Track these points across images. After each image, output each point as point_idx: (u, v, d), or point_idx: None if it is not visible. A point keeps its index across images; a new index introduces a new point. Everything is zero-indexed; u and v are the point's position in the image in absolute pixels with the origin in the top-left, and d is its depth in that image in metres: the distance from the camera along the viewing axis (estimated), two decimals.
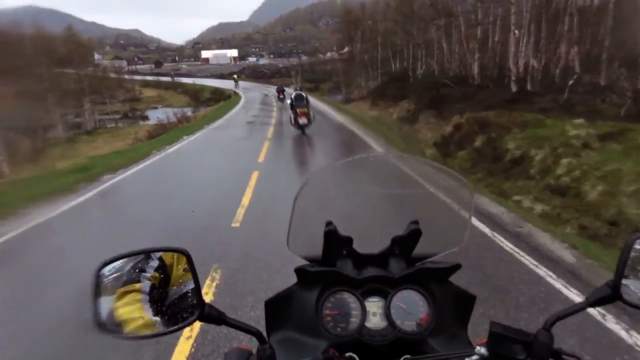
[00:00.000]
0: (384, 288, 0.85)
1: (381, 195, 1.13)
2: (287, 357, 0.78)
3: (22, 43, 30.38)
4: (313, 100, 28.19)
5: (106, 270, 0.72)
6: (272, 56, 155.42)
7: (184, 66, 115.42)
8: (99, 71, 38.90)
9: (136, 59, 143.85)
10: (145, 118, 35.04)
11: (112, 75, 58.99)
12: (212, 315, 0.73)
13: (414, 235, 0.90)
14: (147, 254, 0.76)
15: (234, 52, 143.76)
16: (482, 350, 0.69)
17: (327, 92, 48.71)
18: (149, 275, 0.75)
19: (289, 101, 14.31)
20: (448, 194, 1.01)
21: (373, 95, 25.96)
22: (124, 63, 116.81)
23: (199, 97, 44.94)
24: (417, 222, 0.90)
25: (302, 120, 13.24)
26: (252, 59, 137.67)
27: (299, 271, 0.86)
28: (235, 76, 60.19)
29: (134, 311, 0.72)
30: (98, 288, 0.71)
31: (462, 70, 18.28)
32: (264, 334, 0.78)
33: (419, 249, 0.91)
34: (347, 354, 0.78)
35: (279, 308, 0.86)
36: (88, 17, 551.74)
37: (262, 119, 19.24)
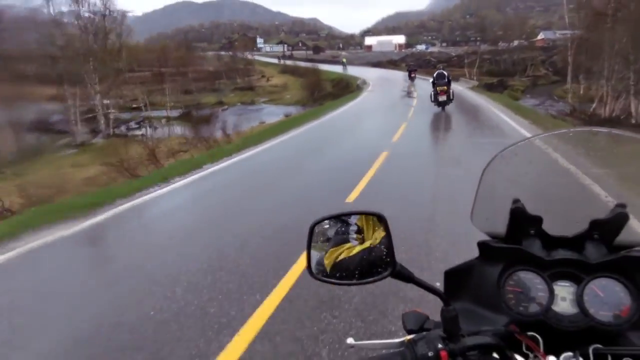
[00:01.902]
0: (577, 273, 0.79)
1: (579, 174, 1.02)
2: (467, 324, 0.79)
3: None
4: (507, 118, 12.86)
5: (316, 228, 0.84)
6: (444, 44, 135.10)
7: (343, 53, 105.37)
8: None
9: (300, 44, 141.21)
10: (206, 122, 21.89)
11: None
12: (402, 274, 0.79)
13: (619, 219, 0.80)
14: (350, 215, 0.86)
15: (400, 39, 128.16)
16: None
17: (523, 93, 30.86)
18: (354, 236, 0.85)
19: (431, 80, 15.78)
20: None
21: None
22: (283, 47, 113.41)
23: (319, 89, 31.62)
24: (625, 205, 0.80)
25: (442, 98, 14.96)
26: (420, 47, 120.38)
27: (482, 245, 0.84)
28: (344, 60, 59.31)
29: (338, 263, 0.82)
30: (310, 241, 0.82)
31: None
32: None
33: (624, 237, 0.81)
34: (530, 333, 0.77)
35: (458, 279, 0.85)
36: (275, 7, 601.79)
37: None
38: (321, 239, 0.86)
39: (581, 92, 23.71)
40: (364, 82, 31.68)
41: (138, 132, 22.69)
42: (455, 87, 26.20)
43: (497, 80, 33.33)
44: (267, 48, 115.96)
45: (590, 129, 0.96)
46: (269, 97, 34.11)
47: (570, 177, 1.03)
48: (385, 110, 17.25)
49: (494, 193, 0.88)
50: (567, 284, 0.78)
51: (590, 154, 0.96)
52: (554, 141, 0.95)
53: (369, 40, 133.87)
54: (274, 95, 35.08)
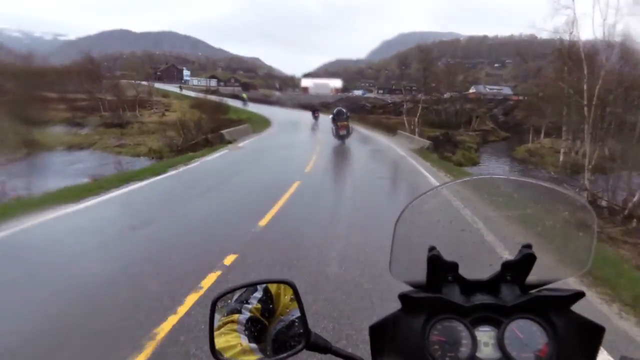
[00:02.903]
0: (496, 317, 0.80)
1: (488, 218, 1.09)
2: None
3: None
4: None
5: (219, 303, 0.80)
6: (381, 92, 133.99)
7: (276, 93, 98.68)
8: None
9: (232, 80, 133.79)
10: None
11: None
12: (318, 344, 0.78)
13: (527, 260, 0.83)
14: (255, 285, 0.85)
15: (337, 83, 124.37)
16: None
17: (477, 153, 23.99)
18: (250, 306, 0.83)
19: (331, 116, 18.17)
20: (562, 216, 0.91)
21: None
22: (213, 82, 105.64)
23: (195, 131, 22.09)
24: (530, 246, 0.84)
25: (342, 132, 16.88)
26: (358, 92, 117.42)
27: (403, 297, 0.83)
28: (244, 95, 58.42)
29: (230, 340, 0.78)
30: (213, 319, 0.78)
31: None
32: None
33: (534, 275, 0.85)
34: None
35: (383, 334, 0.83)
36: (216, 44, 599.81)
37: None
38: (225, 315, 0.80)
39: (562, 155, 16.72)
40: (263, 127, 23.52)
41: None
42: (393, 148, 18.33)
43: (442, 134, 26.35)
44: (195, 81, 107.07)
45: (491, 176, 1.02)
46: (131, 139, 24.46)
47: (478, 222, 1.03)
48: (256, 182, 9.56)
49: (409, 243, 0.87)
50: (487, 329, 0.78)
51: (492, 199, 0.98)
52: (459, 189, 0.97)
53: (305, 82, 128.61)
54: (141, 137, 25.23)
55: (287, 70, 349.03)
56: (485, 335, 0.78)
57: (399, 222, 0.85)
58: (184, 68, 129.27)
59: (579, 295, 0.78)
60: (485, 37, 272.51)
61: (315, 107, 41.35)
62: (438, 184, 9.66)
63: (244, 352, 0.75)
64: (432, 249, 0.82)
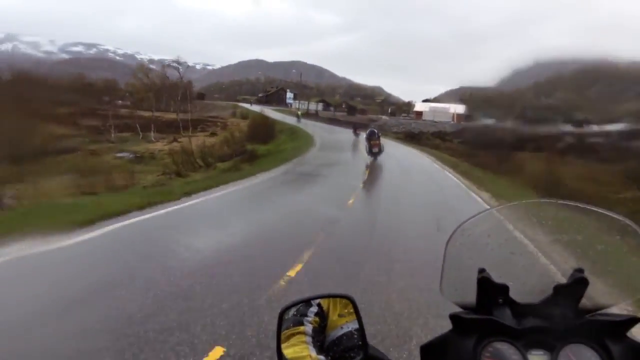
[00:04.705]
0: (549, 340, 0.79)
1: (538, 242, 1.10)
2: None
3: None
4: None
5: (285, 315, 0.85)
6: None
7: (383, 117, 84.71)
8: None
9: (343, 105, 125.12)
10: None
11: None
12: (375, 357, 0.81)
13: (579, 284, 0.83)
14: (315, 299, 0.89)
15: (459, 108, 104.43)
16: None
17: None
18: (310, 319, 0.87)
19: (365, 136, 21.43)
20: (614, 241, 0.90)
21: None
22: (312, 106, 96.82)
23: None
24: (582, 270, 0.84)
25: (375, 149, 19.79)
26: (488, 121, 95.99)
27: (454, 318, 0.83)
28: (299, 112, 59.10)
29: (301, 351, 0.81)
30: (280, 329, 0.83)
31: None
32: None
33: (587, 300, 0.84)
34: None
35: (434, 354, 0.84)
36: (341, 73, 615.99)
37: None
38: (291, 325, 0.84)
39: None
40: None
41: None
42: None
43: None
44: (297, 104, 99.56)
45: (539, 200, 1.02)
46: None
47: (529, 245, 1.08)
48: None
49: (459, 264, 0.88)
50: (540, 353, 0.77)
51: (542, 222, 0.99)
52: (509, 212, 0.97)
53: (420, 106, 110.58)
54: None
55: (407, 98, 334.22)
56: (538, 358, 0.76)
57: (449, 243, 0.85)
58: (287, 91, 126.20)
59: (635, 320, 0.76)
60: None
61: (357, 124, 40.78)
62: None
63: None
64: (482, 270, 0.82)
